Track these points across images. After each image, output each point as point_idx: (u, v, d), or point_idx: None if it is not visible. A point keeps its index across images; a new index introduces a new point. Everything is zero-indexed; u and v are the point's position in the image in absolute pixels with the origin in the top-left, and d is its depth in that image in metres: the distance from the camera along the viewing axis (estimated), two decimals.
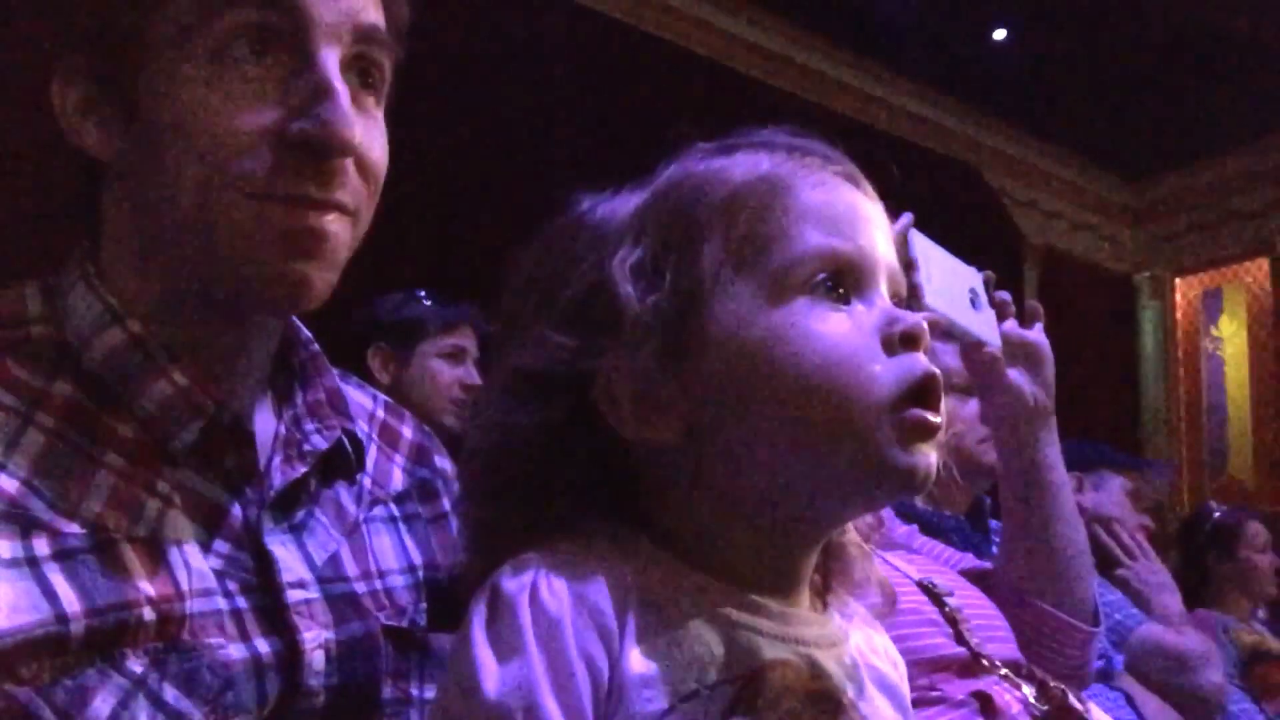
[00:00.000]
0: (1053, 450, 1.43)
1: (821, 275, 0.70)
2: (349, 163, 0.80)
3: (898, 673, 0.79)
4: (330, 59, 0.79)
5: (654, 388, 0.70)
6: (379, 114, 0.85)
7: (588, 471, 0.72)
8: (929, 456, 0.70)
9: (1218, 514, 3.59)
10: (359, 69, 0.82)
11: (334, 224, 0.80)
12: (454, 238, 4.45)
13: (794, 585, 0.74)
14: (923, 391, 0.69)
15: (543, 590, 0.65)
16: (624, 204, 0.76)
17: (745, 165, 0.74)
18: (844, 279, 0.71)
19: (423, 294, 2.57)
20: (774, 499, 0.71)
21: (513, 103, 4.79)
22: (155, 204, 0.79)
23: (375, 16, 0.83)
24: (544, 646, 0.63)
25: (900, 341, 0.70)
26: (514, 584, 0.66)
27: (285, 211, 0.78)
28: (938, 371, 0.70)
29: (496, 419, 0.73)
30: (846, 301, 0.71)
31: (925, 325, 0.71)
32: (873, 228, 0.74)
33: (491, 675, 0.63)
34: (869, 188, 0.76)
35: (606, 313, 0.70)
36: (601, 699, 0.64)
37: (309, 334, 0.95)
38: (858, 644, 0.76)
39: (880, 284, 0.73)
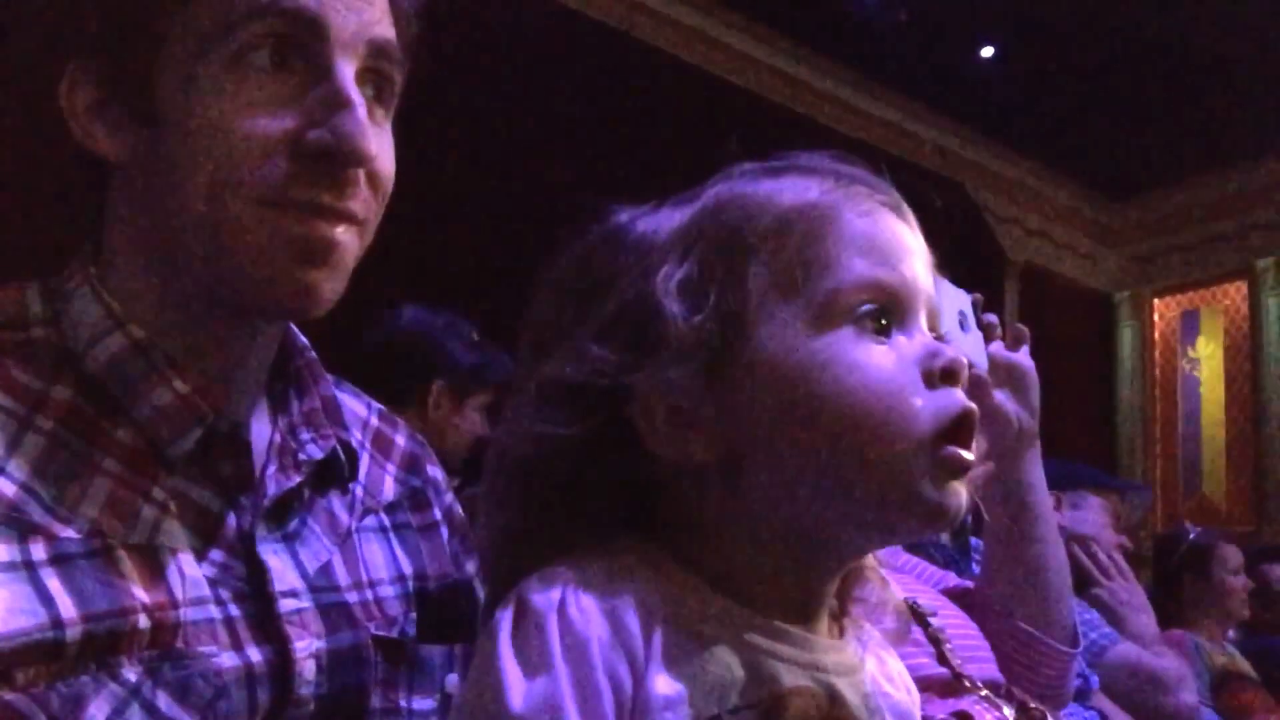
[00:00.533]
0: (1036, 472, 1.45)
1: (866, 305, 0.70)
2: (361, 173, 0.81)
3: (911, 699, 0.79)
4: (347, 71, 0.80)
5: (691, 406, 0.69)
6: (388, 126, 0.86)
7: (618, 487, 0.72)
8: (960, 495, 0.69)
9: (1192, 535, 3.62)
10: (371, 82, 0.83)
11: (344, 234, 0.81)
12: (444, 245, 4.44)
13: (815, 611, 0.73)
14: (959, 428, 0.69)
15: (571, 606, 0.65)
16: (667, 219, 0.75)
17: (794, 190, 0.73)
18: (888, 310, 0.71)
19: (470, 331, 2.56)
20: (802, 525, 0.70)
21: (504, 111, 4.79)
22: (166, 207, 0.79)
23: (389, 32, 0.83)
24: (571, 664, 0.63)
25: (940, 376, 0.69)
26: (542, 598, 0.66)
27: (296, 219, 0.78)
28: (974, 408, 0.70)
29: (529, 428, 0.72)
30: (888, 333, 0.71)
31: (964, 360, 0.71)
32: (915, 259, 0.73)
33: (518, 690, 0.63)
34: (912, 218, 0.76)
35: (649, 328, 0.69)
36: (625, 719, 0.64)
37: (305, 341, 0.95)
38: (872, 671, 0.75)
39: (921, 316, 0.73)
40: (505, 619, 0.66)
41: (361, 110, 0.79)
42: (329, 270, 0.80)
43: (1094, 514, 2.84)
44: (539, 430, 0.71)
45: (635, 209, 0.77)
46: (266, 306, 0.82)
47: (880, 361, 0.69)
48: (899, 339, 0.71)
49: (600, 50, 5.34)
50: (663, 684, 0.64)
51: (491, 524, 0.76)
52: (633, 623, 0.65)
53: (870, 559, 0.78)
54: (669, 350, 0.69)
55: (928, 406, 0.68)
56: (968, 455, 0.69)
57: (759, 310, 0.70)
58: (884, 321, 0.70)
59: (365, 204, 0.82)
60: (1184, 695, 2.42)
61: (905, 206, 0.76)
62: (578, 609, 0.65)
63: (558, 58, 5.03)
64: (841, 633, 0.76)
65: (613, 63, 5.35)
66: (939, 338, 0.73)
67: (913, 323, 0.72)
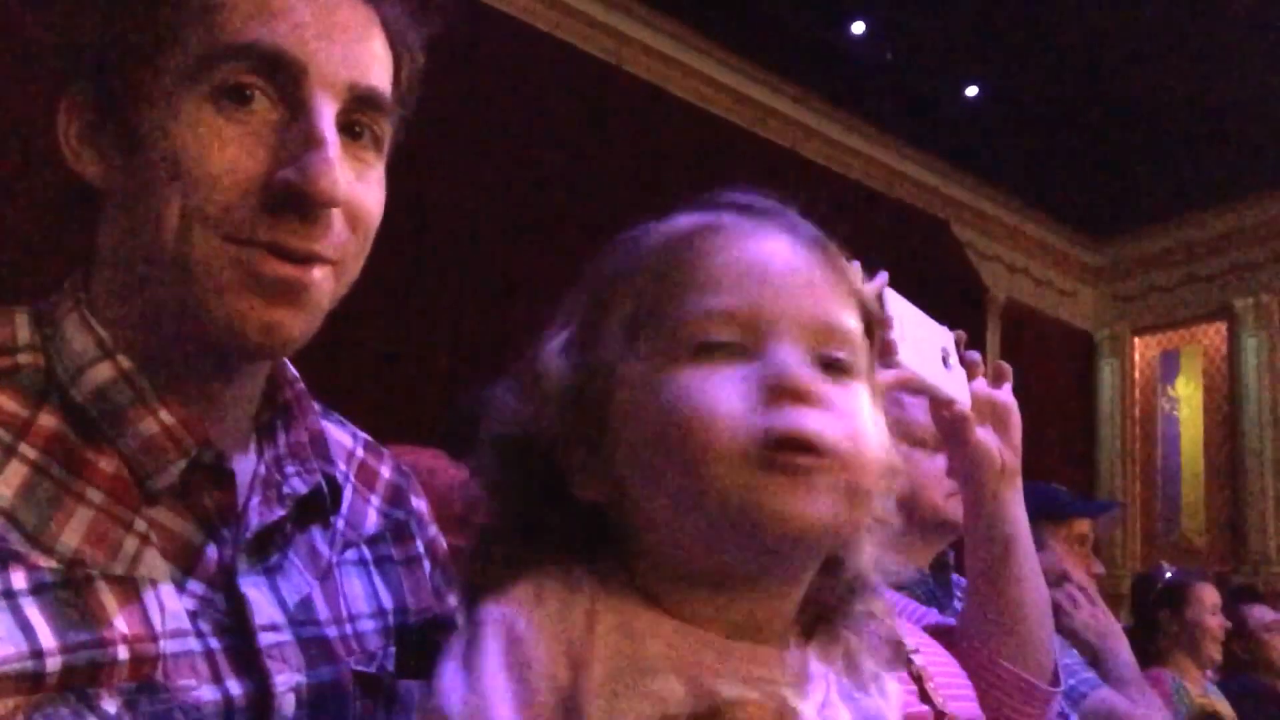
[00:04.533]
0: (1018, 509, 1.45)
1: (713, 337, 0.71)
2: (335, 213, 0.80)
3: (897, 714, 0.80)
4: (325, 110, 0.79)
5: (584, 452, 0.74)
6: (378, 166, 0.86)
7: (565, 520, 0.76)
8: (811, 501, 0.67)
9: (1169, 574, 3.62)
10: (355, 122, 0.83)
11: (314, 273, 0.80)
12: (435, 272, 4.44)
13: (766, 629, 0.74)
14: (787, 443, 0.67)
15: (514, 617, 0.69)
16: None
17: (667, 229, 0.78)
18: (742, 337, 0.71)
19: None
20: (690, 555, 0.72)
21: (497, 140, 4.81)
22: (140, 239, 0.79)
23: (373, 78, 0.83)
24: (509, 669, 0.66)
25: (782, 396, 0.68)
26: (493, 615, 0.70)
27: (262, 259, 0.78)
28: (807, 428, 0.68)
29: (480, 477, 0.79)
30: (743, 359, 0.70)
31: (807, 380, 0.69)
32: (783, 282, 0.73)
33: (456, 694, 0.66)
34: (803, 242, 0.76)
35: (540, 384, 0.76)
36: None
37: (295, 373, 0.95)
38: (837, 686, 0.75)
39: (784, 337, 0.71)
40: (459, 638, 0.71)
41: (333, 149, 0.78)
42: (296, 310, 0.79)
43: (1051, 552, 2.81)
44: (488, 479, 0.78)
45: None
46: (232, 344, 0.80)
47: (715, 386, 0.69)
48: (747, 366, 0.70)
49: (589, 82, 5.37)
50: (603, 693, 0.67)
51: (464, 557, 0.81)
52: (576, 633, 0.69)
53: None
54: (554, 405, 0.75)
55: (757, 420, 0.67)
56: (802, 459, 0.67)
57: (620, 355, 0.74)
58: (731, 351, 0.70)
59: (338, 245, 0.81)
60: None
61: (799, 231, 0.76)
62: (522, 620, 0.69)
63: (547, 90, 5.06)
64: (806, 647, 0.76)
65: (601, 94, 5.38)
66: (817, 357, 0.72)
67: (774, 345, 0.70)
